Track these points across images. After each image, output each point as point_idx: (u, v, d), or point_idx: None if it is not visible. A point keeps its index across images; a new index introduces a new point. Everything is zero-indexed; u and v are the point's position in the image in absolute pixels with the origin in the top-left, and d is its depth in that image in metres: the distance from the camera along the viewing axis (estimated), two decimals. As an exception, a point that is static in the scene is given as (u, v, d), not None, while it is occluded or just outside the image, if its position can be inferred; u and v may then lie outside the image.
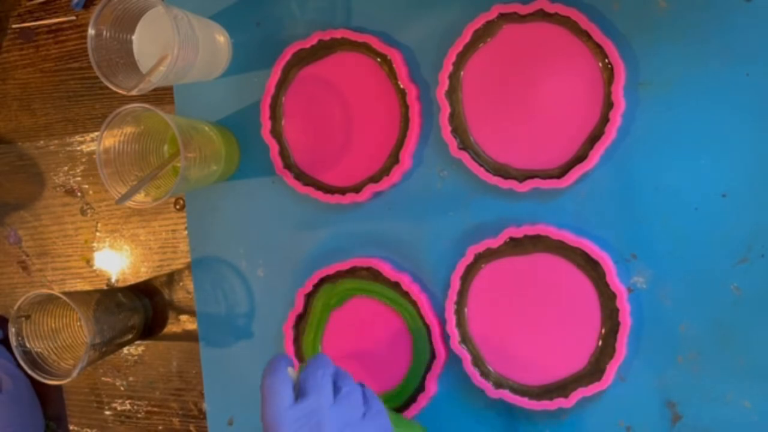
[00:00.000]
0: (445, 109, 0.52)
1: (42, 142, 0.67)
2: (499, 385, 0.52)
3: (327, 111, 0.56)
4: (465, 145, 0.52)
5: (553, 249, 0.51)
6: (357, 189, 0.55)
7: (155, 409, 0.65)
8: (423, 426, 0.51)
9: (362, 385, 0.45)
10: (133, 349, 0.65)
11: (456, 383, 0.54)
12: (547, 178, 0.50)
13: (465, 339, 0.53)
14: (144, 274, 0.64)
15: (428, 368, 0.54)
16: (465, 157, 0.52)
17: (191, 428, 0.63)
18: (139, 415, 0.65)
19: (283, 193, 0.58)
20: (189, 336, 0.63)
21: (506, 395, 0.51)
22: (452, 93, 0.52)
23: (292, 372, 0.44)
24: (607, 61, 0.49)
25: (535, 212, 0.52)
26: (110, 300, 0.60)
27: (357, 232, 0.56)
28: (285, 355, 0.45)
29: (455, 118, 0.53)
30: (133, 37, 0.54)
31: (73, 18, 0.65)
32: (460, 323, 0.53)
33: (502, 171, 0.52)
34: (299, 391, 0.42)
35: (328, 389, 0.43)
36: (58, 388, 0.68)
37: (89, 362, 0.56)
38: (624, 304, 0.49)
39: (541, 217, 0.51)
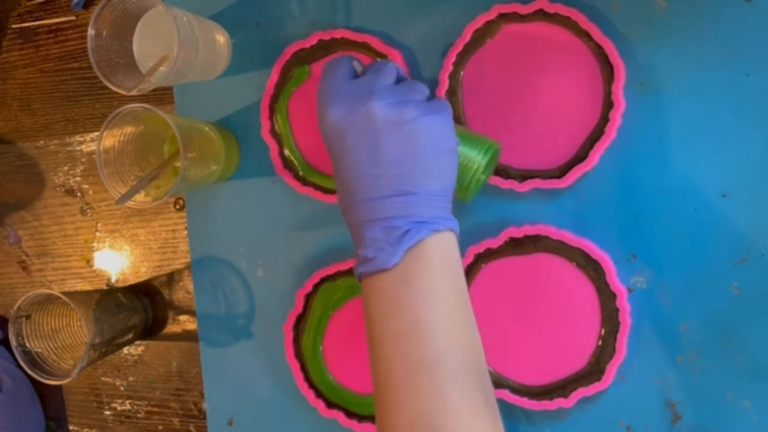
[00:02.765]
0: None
1: (42, 142, 0.67)
2: (499, 385, 0.52)
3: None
4: (465, 145, 0.52)
5: (553, 249, 0.51)
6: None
7: (155, 409, 0.65)
8: (494, 141, 0.46)
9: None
10: (133, 349, 0.65)
11: (456, 383, 0.54)
12: (547, 178, 0.50)
13: (465, 339, 0.53)
14: (144, 274, 0.64)
15: (428, 368, 0.54)
16: (465, 157, 0.52)
17: (191, 428, 0.63)
18: (139, 415, 0.65)
19: (283, 193, 0.58)
20: (189, 336, 0.63)
21: (506, 395, 0.51)
22: (452, 93, 0.52)
23: (357, 64, 0.42)
24: (607, 61, 0.49)
25: (535, 212, 0.52)
26: (110, 300, 0.60)
27: (357, 232, 0.56)
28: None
29: (455, 119, 0.52)
30: (133, 37, 0.54)
31: (73, 18, 0.65)
32: (460, 323, 0.53)
33: (502, 171, 0.52)
34: (361, 75, 0.40)
35: (388, 73, 0.40)
36: (58, 388, 0.68)
37: (89, 362, 0.56)
38: (624, 304, 0.49)
39: (541, 217, 0.51)
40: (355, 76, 0.42)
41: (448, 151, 0.39)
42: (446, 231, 0.39)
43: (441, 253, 0.38)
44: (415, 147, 0.38)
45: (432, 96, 0.42)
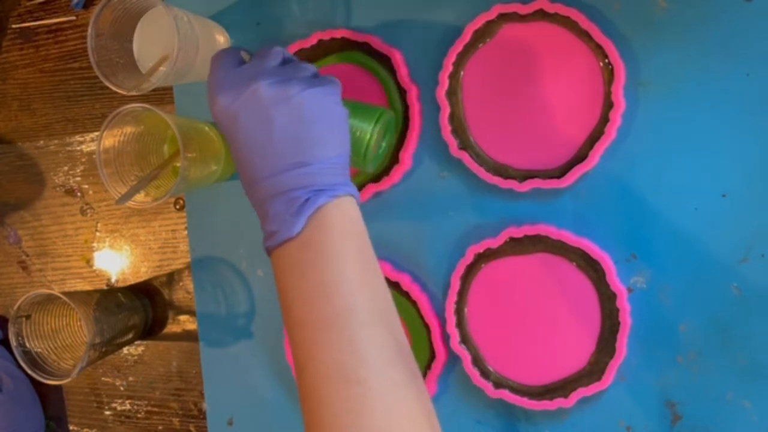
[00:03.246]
0: (445, 109, 0.52)
1: (42, 142, 0.67)
2: (499, 385, 0.52)
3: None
4: (465, 145, 0.52)
5: (553, 249, 0.51)
6: (357, 189, 0.55)
7: (155, 409, 0.65)
8: (385, 109, 0.49)
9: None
10: (133, 349, 0.65)
11: (456, 383, 0.54)
12: (547, 178, 0.50)
13: (465, 339, 0.53)
14: (144, 274, 0.64)
15: (428, 368, 0.54)
16: (465, 157, 0.52)
17: (191, 428, 0.63)
18: (139, 415, 0.65)
19: (283, 193, 0.58)
20: (189, 336, 0.63)
21: (506, 395, 0.51)
22: (452, 93, 0.52)
23: (245, 54, 0.43)
24: (607, 61, 0.49)
25: (535, 212, 0.52)
26: (110, 300, 0.60)
27: (357, 232, 0.56)
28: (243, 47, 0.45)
29: (455, 118, 0.53)
30: (133, 37, 0.54)
31: (73, 18, 0.65)
32: (460, 323, 0.53)
33: (502, 171, 0.52)
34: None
35: (273, 56, 0.42)
36: (58, 388, 0.68)
37: (89, 362, 0.56)
38: (624, 304, 0.49)
39: (541, 217, 0.51)
40: (243, 63, 0.43)
41: (337, 119, 0.41)
42: (345, 196, 0.40)
43: (341, 217, 0.40)
44: (304, 119, 0.39)
45: (318, 76, 0.44)
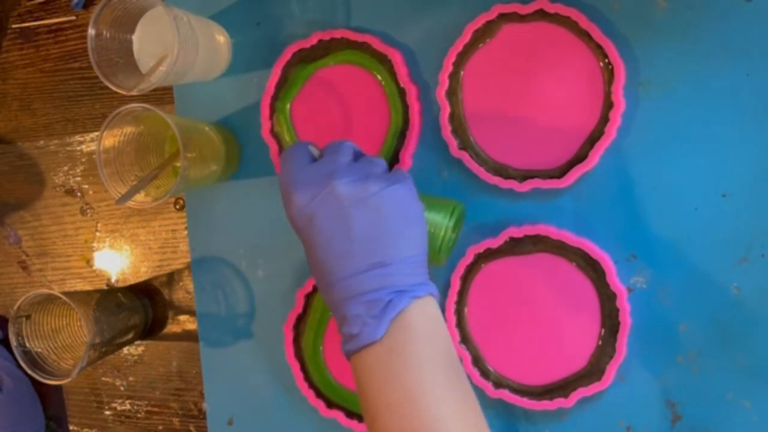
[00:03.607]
0: (445, 109, 0.52)
1: (42, 142, 0.67)
2: (499, 385, 0.52)
3: (330, 116, 0.56)
4: (465, 145, 0.52)
5: (553, 249, 0.51)
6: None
7: (155, 409, 0.65)
8: (460, 201, 0.47)
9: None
10: (133, 349, 0.65)
11: (456, 383, 0.54)
12: (547, 178, 0.50)
13: (465, 339, 0.53)
14: (144, 274, 0.64)
15: (428, 368, 0.54)
16: (465, 157, 0.52)
17: (191, 428, 0.63)
18: (139, 415, 0.65)
19: (283, 193, 0.58)
20: (189, 336, 0.63)
21: (506, 395, 0.51)
22: (452, 93, 0.52)
23: (313, 148, 0.42)
24: (607, 61, 0.49)
25: (535, 212, 0.52)
26: (110, 300, 0.60)
27: (357, 232, 0.56)
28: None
29: (455, 118, 0.53)
30: (133, 37, 0.54)
31: (73, 18, 0.65)
32: (460, 323, 0.53)
33: (502, 171, 0.52)
34: (318, 157, 0.41)
35: (345, 152, 0.41)
36: (58, 388, 0.68)
37: (89, 362, 0.56)
38: (624, 304, 0.49)
39: (541, 217, 0.51)
40: (313, 159, 0.42)
41: (416, 217, 0.40)
42: (426, 296, 0.39)
43: (425, 320, 0.39)
44: (383, 218, 0.38)
45: (389, 169, 0.43)
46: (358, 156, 0.43)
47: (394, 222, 0.39)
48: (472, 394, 0.39)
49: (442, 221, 0.45)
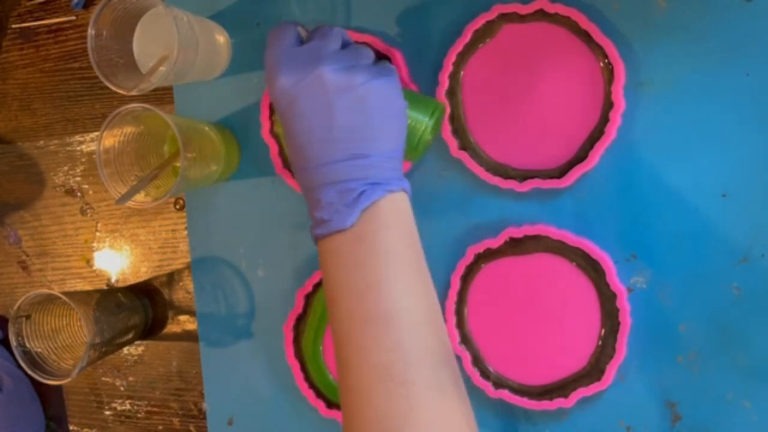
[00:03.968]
0: (445, 109, 0.52)
1: (42, 142, 0.67)
2: (499, 385, 0.52)
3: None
4: (465, 145, 0.52)
5: (553, 249, 0.51)
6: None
7: (155, 409, 0.65)
8: (439, 102, 0.47)
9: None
10: (133, 349, 0.65)
11: (456, 383, 0.54)
12: (547, 178, 0.50)
13: (465, 339, 0.53)
14: (144, 274, 0.64)
15: (428, 368, 0.54)
16: (465, 157, 0.52)
17: (191, 428, 0.63)
18: (139, 415, 0.65)
19: (283, 193, 0.58)
20: (189, 336, 0.63)
21: (506, 395, 0.51)
22: (452, 93, 0.52)
23: (301, 30, 0.42)
24: (607, 61, 0.49)
25: (535, 212, 0.52)
26: (110, 300, 0.60)
27: (357, 232, 0.56)
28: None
29: (455, 119, 0.53)
30: (133, 37, 0.54)
31: (73, 18, 0.65)
32: (460, 323, 0.53)
33: (502, 171, 0.52)
34: (306, 40, 0.41)
35: (334, 38, 0.41)
36: (58, 388, 0.68)
37: (89, 362, 0.56)
38: (624, 304, 0.49)
39: (541, 217, 0.51)
40: (301, 41, 0.42)
41: (398, 113, 0.40)
42: (399, 191, 0.40)
43: (395, 213, 0.39)
44: (366, 110, 0.39)
45: (376, 60, 0.43)
46: (346, 44, 0.42)
47: (376, 115, 0.39)
48: (434, 292, 0.40)
49: (422, 119, 0.45)
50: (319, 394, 0.56)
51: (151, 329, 0.64)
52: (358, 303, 0.37)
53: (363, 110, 0.39)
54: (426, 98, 0.47)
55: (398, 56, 0.53)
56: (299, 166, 0.40)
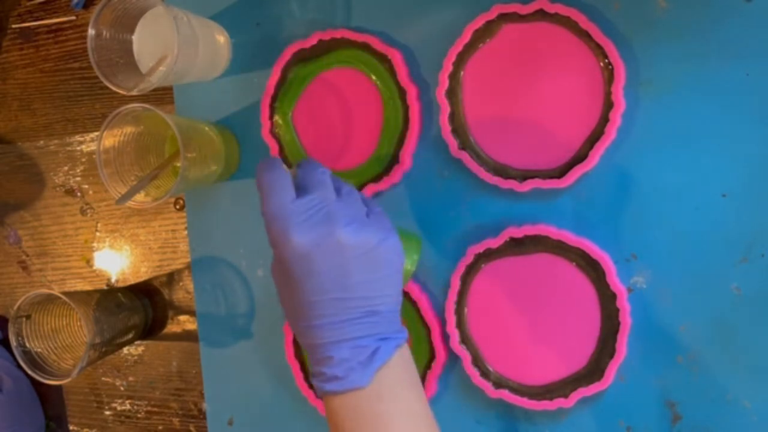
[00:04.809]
0: (445, 109, 0.52)
1: (42, 142, 0.67)
2: (499, 385, 0.52)
3: (330, 118, 0.56)
4: (465, 145, 0.52)
5: (553, 249, 0.51)
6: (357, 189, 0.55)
7: (155, 409, 0.65)
8: (418, 236, 0.50)
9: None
10: (133, 349, 0.65)
11: (456, 383, 0.54)
12: (547, 178, 0.50)
13: (465, 339, 0.53)
14: (144, 274, 0.64)
15: (428, 368, 0.54)
16: (465, 157, 0.52)
17: (191, 428, 0.63)
18: (139, 415, 0.65)
19: (283, 193, 0.58)
20: (189, 336, 0.63)
21: (506, 395, 0.51)
22: (452, 93, 0.52)
23: (285, 168, 0.42)
24: (607, 61, 0.49)
25: (535, 212, 0.52)
26: (110, 300, 0.60)
27: (357, 232, 0.56)
28: (277, 157, 0.43)
29: (455, 118, 0.53)
30: (133, 37, 0.54)
31: (73, 18, 0.65)
32: (460, 323, 0.53)
33: (502, 171, 0.52)
34: (300, 189, 0.40)
35: (330, 186, 0.41)
36: (58, 388, 0.68)
37: (89, 362, 0.56)
38: (624, 304, 0.49)
39: (541, 217, 0.51)
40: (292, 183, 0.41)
41: (399, 267, 0.41)
42: (404, 343, 0.41)
43: (406, 368, 0.40)
44: (380, 269, 0.39)
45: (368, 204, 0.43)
46: (333, 182, 0.42)
47: (387, 273, 0.40)
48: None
49: (408, 260, 0.47)
50: (319, 394, 0.56)
51: (151, 329, 0.64)
52: None
53: (376, 269, 0.39)
54: (408, 233, 0.48)
55: (398, 56, 0.53)
56: (306, 324, 0.40)
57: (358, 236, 0.39)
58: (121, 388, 0.66)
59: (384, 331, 0.40)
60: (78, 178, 0.66)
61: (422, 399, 0.41)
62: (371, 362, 0.38)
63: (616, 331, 0.49)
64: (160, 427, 0.65)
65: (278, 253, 0.39)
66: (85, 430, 0.67)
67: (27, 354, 0.57)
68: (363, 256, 0.39)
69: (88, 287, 0.66)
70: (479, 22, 0.51)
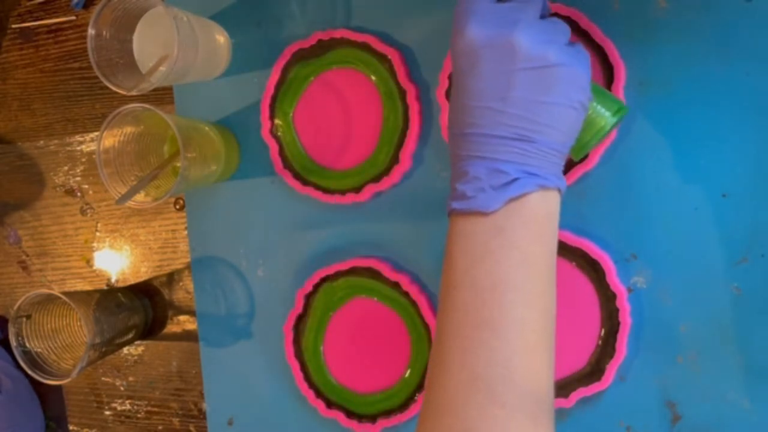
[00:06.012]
0: (445, 109, 0.52)
1: (42, 142, 0.67)
2: (499, 385, 0.52)
3: (331, 118, 0.56)
4: (465, 145, 0.52)
5: (553, 249, 0.51)
6: (357, 189, 0.55)
7: (155, 409, 0.65)
8: (625, 105, 0.43)
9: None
10: (133, 349, 0.65)
11: (456, 383, 0.54)
12: (547, 178, 0.50)
13: (465, 339, 0.53)
14: (144, 274, 0.64)
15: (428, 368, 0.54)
16: (465, 157, 0.52)
17: (191, 428, 0.63)
18: (139, 415, 0.65)
19: (283, 193, 0.58)
20: (189, 336, 0.63)
21: (506, 395, 0.51)
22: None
23: None
24: (607, 61, 0.49)
25: (535, 212, 0.51)
26: (110, 300, 0.60)
27: (357, 232, 0.56)
28: None
29: (455, 118, 0.52)
30: (133, 37, 0.54)
31: (73, 18, 0.65)
32: (460, 323, 0.53)
33: (502, 171, 0.52)
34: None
35: (537, 6, 0.37)
36: (58, 388, 0.68)
37: (89, 362, 0.56)
38: (624, 304, 0.49)
39: (541, 217, 0.51)
40: None
41: (580, 105, 0.36)
42: (553, 189, 0.37)
43: (543, 212, 0.36)
44: (549, 93, 0.35)
45: (571, 42, 0.39)
46: (544, 11, 0.39)
47: (556, 101, 0.35)
48: (555, 304, 0.36)
49: (604, 114, 0.41)
50: (319, 394, 0.56)
51: (151, 329, 0.64)
52: (475, 300, 0.34)
53: (545, 91, 0.35)
54: (612, 96, 0.42)
55: (398, 56, 0.53)
56: (456, 131, 0.37)
57: (535, 47, 0.35)
58: (121, 388, 0.66)
59: (533, 165, 0.35)
60: (78, 178, 0.66)
61: (549, 254, 0.36)
62: (504, 190, 0.35)
63: (616, 331, 0.49)
64: (160, 427, 0.65)
65: (452, 49, 0.37)
66: (85, 430, 0.67)
67: (27, 354, 0.57)
68: (533, 71, 0.35)
69: (88, 287, 0.66)
70: (479, 22, 0.51)
